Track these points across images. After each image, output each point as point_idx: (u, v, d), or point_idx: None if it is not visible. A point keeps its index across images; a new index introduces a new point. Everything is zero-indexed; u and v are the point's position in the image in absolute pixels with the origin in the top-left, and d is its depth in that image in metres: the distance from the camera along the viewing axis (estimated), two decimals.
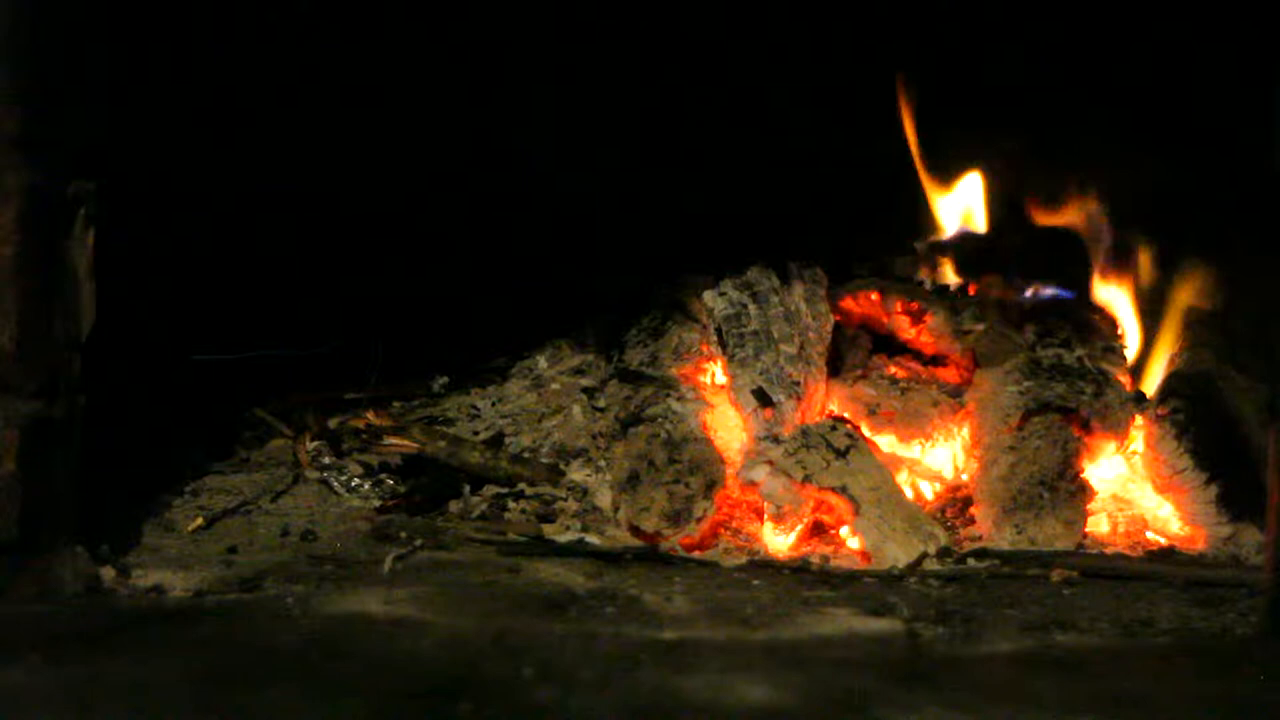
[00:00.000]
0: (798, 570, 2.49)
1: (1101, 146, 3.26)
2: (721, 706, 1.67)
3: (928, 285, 3.29)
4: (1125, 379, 3.00)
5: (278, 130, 3.22)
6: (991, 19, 3.29)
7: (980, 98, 3.39)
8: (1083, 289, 3.24)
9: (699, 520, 2.64)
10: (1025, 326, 3.08)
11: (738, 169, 3.46)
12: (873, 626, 2.06)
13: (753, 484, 2.72)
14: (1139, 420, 2.92)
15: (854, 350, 3.16)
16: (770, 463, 2.71)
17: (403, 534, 2.54)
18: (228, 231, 3.19)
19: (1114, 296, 3.22)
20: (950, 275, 3.34)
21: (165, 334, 3.02)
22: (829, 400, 3.00)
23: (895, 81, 3.37)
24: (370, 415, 2.88)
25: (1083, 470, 2.78)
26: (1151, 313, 3.18)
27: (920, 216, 3.39)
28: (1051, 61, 3.29)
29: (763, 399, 2.85)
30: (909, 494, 2.80)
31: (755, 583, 2.37)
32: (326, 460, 2.89)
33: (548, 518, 2.72)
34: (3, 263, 2.06)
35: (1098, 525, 2.77)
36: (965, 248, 3.35)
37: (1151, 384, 3.05)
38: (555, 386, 3.17)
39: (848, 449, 2.70)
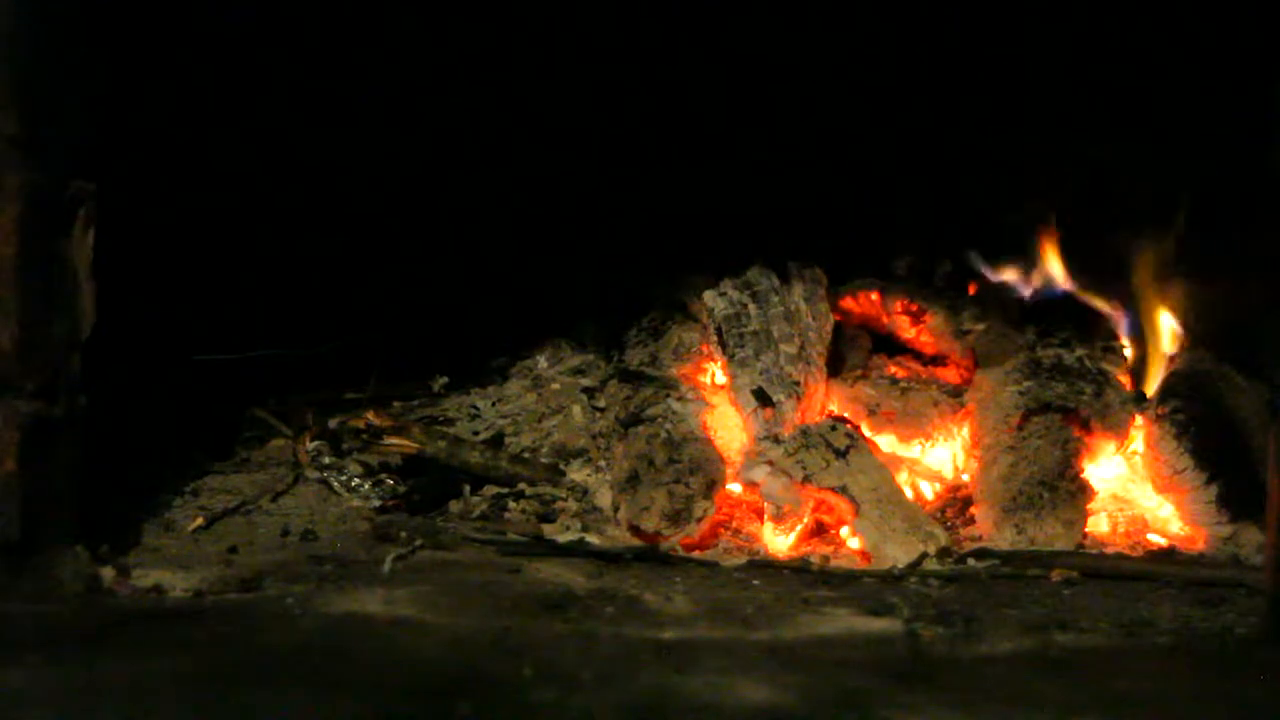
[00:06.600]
0: (798, 570, 2.49)
1: (1098, 143, 3.26)
2: (721, 706, 1.67)
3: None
4: (1125, 379, 3.00)
5: (279, 130, 3.23)
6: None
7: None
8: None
9: (699, 520, 2.64)
10: (1025, 326, 3.08)
11: (737, 169, 3.45)
12: (873, 626, 2.06)
13: (753, 484, 2.72)
14: (1139, 420, 2.92)
15: (854, 350, 3.16)
16: (770, 463, 2.71)
17: (403, 534, 2.54)
18: (228, 232, 3.19)
19: (1114, 296, 3.22)
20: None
21: (165, 334, 3.02)
22: (829, 400, 3.00)
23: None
24: (370, 415, 2.88)
25: (1083, 470, 2.78)
26: (1151, 311, 3.18)
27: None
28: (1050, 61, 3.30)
29: (763, 399, 2.85)
30: (909, 494, 2.79)
31: (755, 583, 2.37)
32: (326, 460, 2.88)
33: (548, 518, 2.72)
34: (3, 263, 2.05)
35: (1098, 525, 2.77)
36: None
37: (1152, 384, 3.05)
38: (555, 386, 3.17)
39: (848, 449, 2.70)
